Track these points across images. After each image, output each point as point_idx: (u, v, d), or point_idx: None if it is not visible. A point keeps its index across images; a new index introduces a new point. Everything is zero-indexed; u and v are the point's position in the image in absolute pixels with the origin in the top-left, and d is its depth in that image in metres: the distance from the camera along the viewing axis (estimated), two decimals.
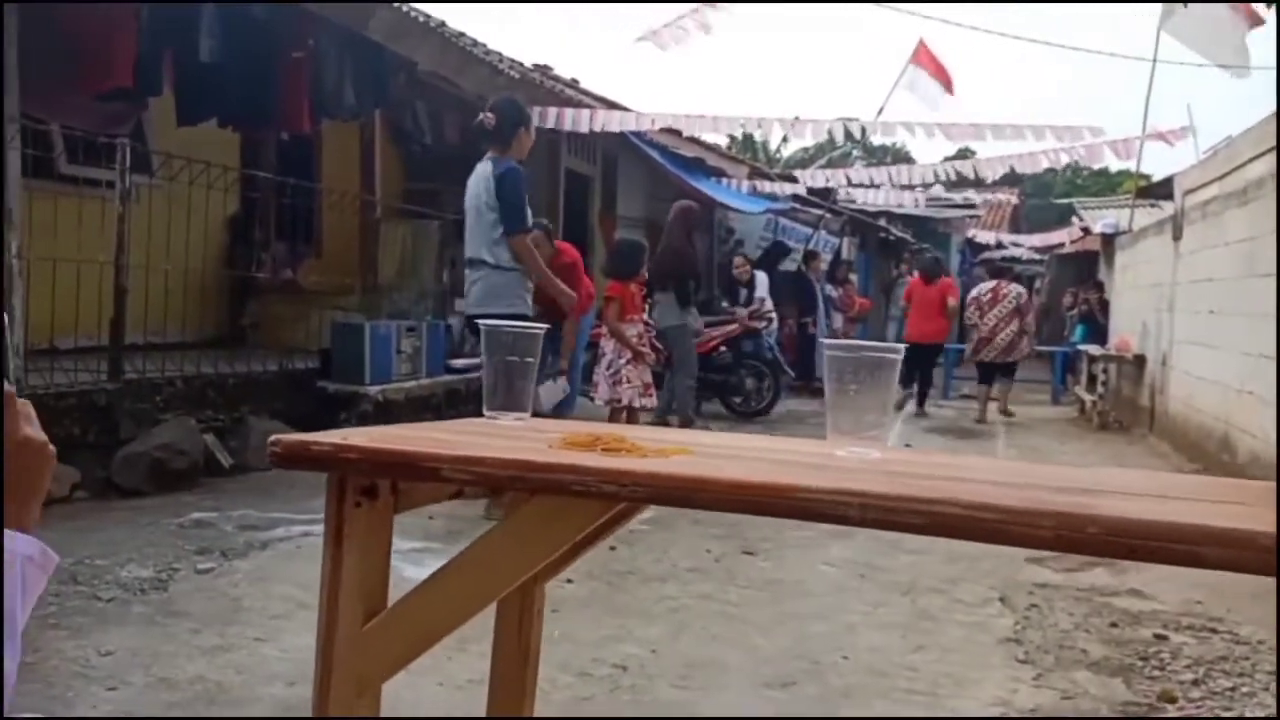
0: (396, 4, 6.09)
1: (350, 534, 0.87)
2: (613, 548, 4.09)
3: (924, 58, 9.53)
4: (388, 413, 5.76)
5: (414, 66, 6.95)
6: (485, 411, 1.20)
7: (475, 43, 7.44)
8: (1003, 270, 10.92)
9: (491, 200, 4.37)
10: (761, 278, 10.55)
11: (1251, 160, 6.60)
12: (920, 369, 9.96)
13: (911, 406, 10.12)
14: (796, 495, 0.79)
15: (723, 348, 9.15)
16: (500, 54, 7.92)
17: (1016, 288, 10.11)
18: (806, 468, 0.91)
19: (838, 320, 13.57)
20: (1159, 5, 9.01)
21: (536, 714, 2.38)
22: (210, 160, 5.51)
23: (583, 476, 0.83)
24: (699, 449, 0.96)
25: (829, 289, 13.44)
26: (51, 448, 0.84)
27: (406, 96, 7.96)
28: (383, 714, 1.08)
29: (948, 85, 9.62)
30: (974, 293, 10.22)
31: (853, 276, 14.12)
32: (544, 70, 10.04)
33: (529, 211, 4.50)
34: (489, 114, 4.48)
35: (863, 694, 2.66)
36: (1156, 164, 19.90)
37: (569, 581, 3.57)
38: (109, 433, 4.54)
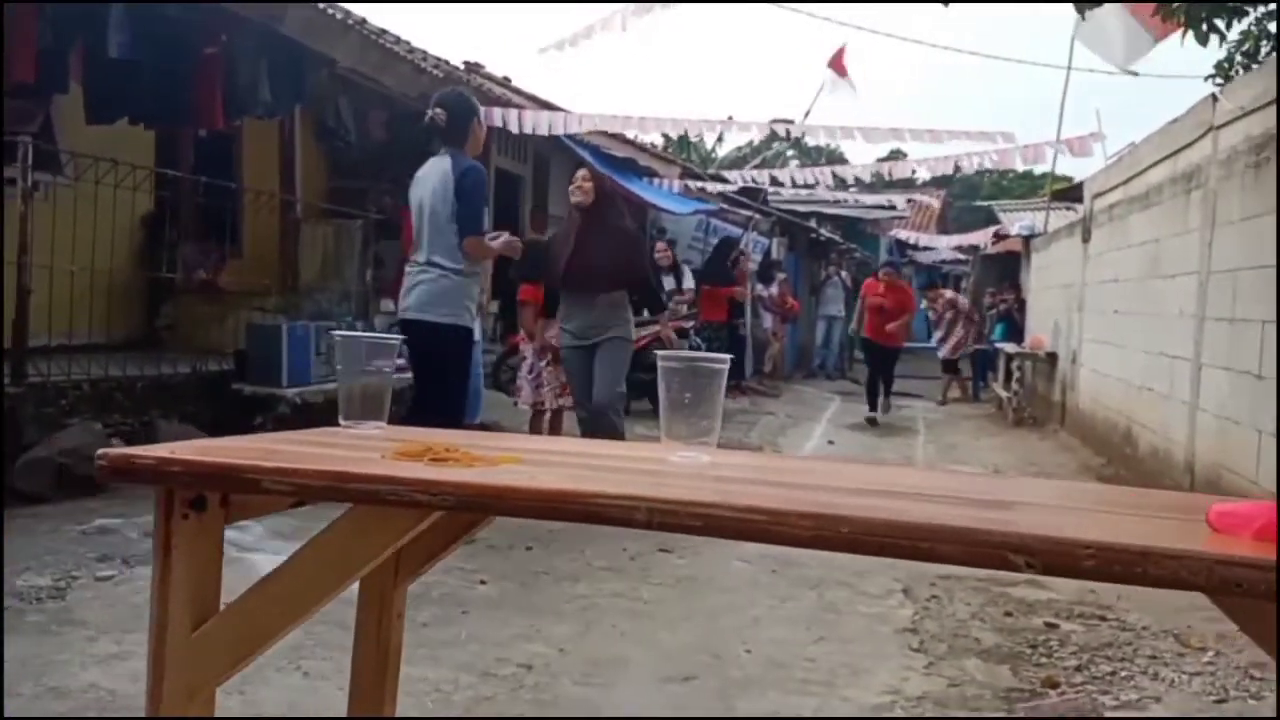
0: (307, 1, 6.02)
1: (178, 544, 0.90)
2: (529, 548, 4.12)
3: (838, 63, 9.72)
4: (306, 415, 5.69)
5: (333, 64, 6.87)
6: (341, 421, 1.22)
7: (398, 40, 7.39)
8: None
9: (449, 199, 4.13)
10: (687, 269, 10.67)
11: (1153, 165, 6.88)
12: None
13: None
14: (589, 501, 0.83)
15: (652, 345, 9.23)
16: (424, 52, 7.87)
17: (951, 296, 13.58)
18: (624, 473, 0.96)
19: (767, 320, 13.75)
20: (1072, 14, 9.33)
21: (431, 713, 2.40)
22: (122, 159, 5.38)
23: (395, 486, 0.86)
24: (530, 457, 1.00)
25: (760, 288, 13.61)
26: None
27: (328, 94, 7.85)
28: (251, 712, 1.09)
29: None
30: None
31: (781, 276, 14.32)
32: (475, 68, 9.99)
33: (486, 214, 4.29)
34: (438, 109, 4.22)
35: (760, 686, 2.73)
36: (1078, 167, 20.55)
37: (482, 582, 3.59)
38: (11, 438, 4.42)
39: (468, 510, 0.88)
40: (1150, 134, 7.14)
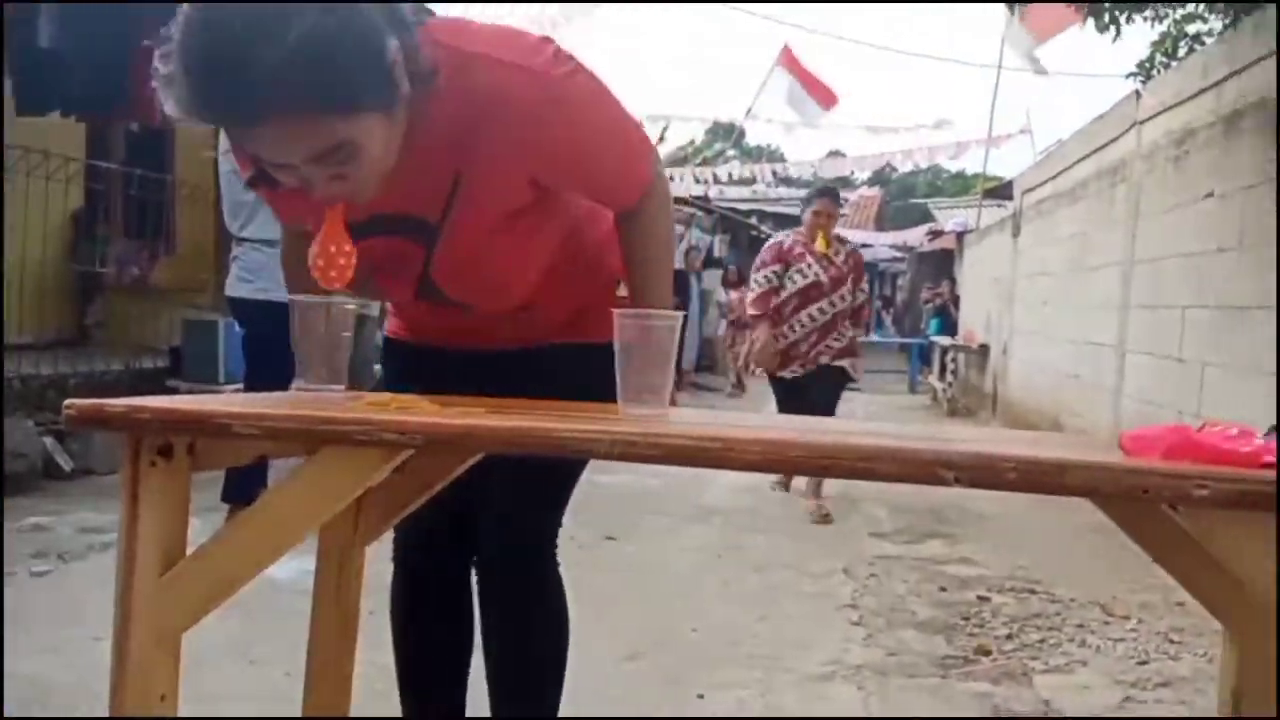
0: None
1: (145, 491, 0.91)
2: None
3: (789, 62, 9.87)
4: None
5: None
6: (302, 384, 1.22)
7: None
8: None
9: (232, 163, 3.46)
10: None
11: (1080, 161, 7.13)
12: None
13: None
14: (555, 436, 0.88)
15: None
16: None
17: None
18: (585, 420, 1.00)
19: (722, 327, 13.78)
20: (1003, 15, 9.62)
21: (382, 695, 2.40)
22: (51, 150, 5.25)
23: (364, 427, 0.89)
24: (493, 409, 1.03)
25: (721, 294, 13.63)
26: None
27: None
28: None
29: (825, 97, 9.97)
30: None
31: (741, 286, 14.39)
32: None
33: None
34: None
35: (710, 661, 2.80)
36: (1012, 166, 21.04)
37: None
38: None
39: (437, 449, 0.91)
40: (1077, 130, 7.39)
